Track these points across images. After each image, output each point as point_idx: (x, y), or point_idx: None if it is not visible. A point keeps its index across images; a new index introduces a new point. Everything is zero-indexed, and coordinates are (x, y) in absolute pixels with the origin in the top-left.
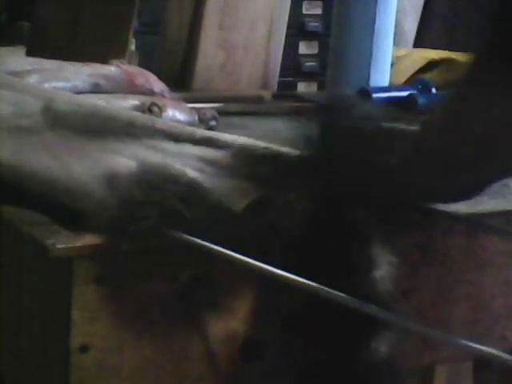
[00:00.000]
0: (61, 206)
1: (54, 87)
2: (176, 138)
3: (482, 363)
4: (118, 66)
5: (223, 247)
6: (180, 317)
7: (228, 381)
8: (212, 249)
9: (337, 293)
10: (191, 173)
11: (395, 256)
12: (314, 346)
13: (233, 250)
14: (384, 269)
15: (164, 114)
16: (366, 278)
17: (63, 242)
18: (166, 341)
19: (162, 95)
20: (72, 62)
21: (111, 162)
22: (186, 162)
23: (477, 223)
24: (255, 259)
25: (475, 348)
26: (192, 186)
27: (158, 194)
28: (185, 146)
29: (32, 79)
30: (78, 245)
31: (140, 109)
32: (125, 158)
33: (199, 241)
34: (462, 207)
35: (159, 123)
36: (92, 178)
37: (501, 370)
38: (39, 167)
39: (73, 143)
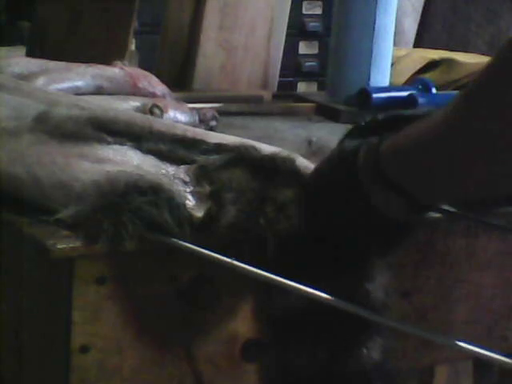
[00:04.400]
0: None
1: (59, 89)
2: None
3: (482, 363)
4: (121, 67)
5: (218, 252)
6: (180, 317)
7: (228, 381)
8: (206, 254)
9: (332, 298)
10: (156, 178)
11: (389, 267)
12: (307, 349)
13: (226, 256)
14: (378, 280)
15: (165, 115)
16: (358, 290)
17: (63, 242)
18: (166, 341)
19: (164, 98)
20: (77, 64)
21: (76, 167)
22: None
23: (477, 223)
24: (248, 264)
25: (474, 350)
26: (156, 191)
27: (124, 201)
28: (147, 157)
29: (39, 82)
30: (79, 245)
31: (141, 110)
32: (89, 163)
33: (193, 246)
34: None
35: (157, 123)
36: (58, 185)
37: (501, 370)
38: (11, 173)
39: (44, 148)
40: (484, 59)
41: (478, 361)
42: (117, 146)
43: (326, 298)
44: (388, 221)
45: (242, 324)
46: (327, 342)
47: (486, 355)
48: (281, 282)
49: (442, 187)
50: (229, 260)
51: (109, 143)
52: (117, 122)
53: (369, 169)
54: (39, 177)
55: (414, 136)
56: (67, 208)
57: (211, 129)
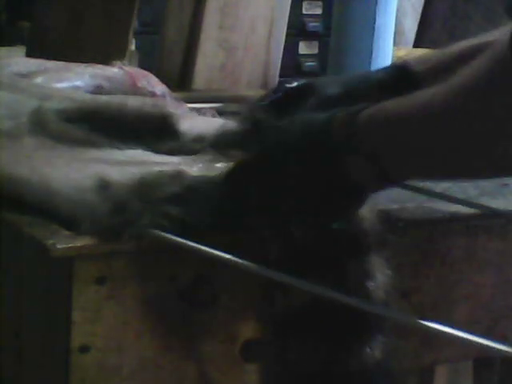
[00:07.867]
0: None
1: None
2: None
3: (482, 363)
4: (120, 67)
5: (219, 250)
6: (180, 317)
7: (228, 381)
8: (207, 252)
9: (334, 292)
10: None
11: (389, 266)
12: (308, 348)
13: (228, 253)
14: (378, 279)
15: None
16: (359, 289)
17: (63, 242)
18: (166, 341)
19: (164, 97)
20: (76, 63)
21: (94, 169)
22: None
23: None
24: (252, 261)
25: (477, 343)
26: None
27: (148, 199)
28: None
29: (38, 81)
30: (78, 245)
31: None
32: (104, 165)
33: (194, 244)
34: (462, 207)
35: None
36: (75, 186)
37: (501, 369)
38: (16, 175)
39: (52, 152)
40: None
41: (478, 361)
42: (128, 152)
43: (328, 294)
44: (353, 186)
45: (242, 324)
46: (328, 341)
47: (490, 346)
48: (282, 278)
49: (418, 163)
50: (229, 257)
51: (115, 146)
52: (109, 107)
53: (343, 136)
54: (48, 174)
55: (401, 110)
56: (84, 219)
57: None
